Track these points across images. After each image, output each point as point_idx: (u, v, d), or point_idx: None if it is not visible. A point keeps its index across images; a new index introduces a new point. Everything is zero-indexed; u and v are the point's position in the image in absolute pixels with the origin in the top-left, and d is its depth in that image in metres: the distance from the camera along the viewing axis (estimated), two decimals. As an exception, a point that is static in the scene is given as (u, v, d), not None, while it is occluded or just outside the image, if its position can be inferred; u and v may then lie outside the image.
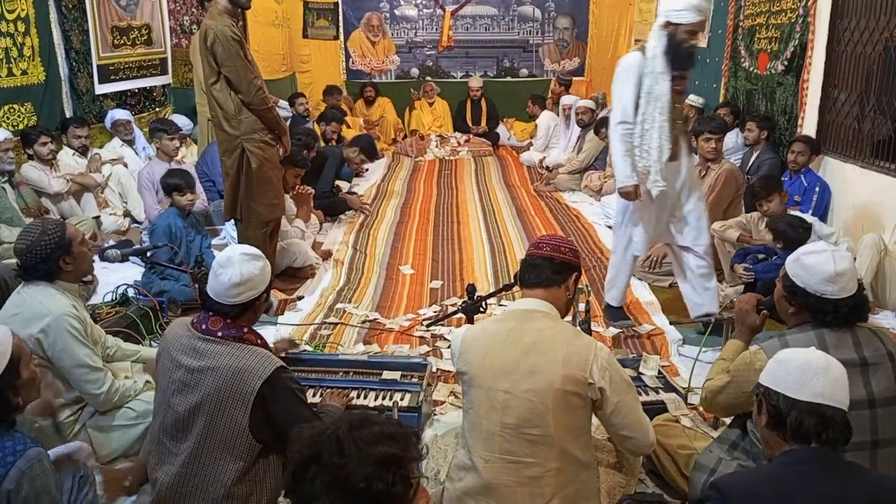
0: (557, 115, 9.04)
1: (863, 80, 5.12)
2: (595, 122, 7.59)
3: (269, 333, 4.01)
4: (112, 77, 6.64)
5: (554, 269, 2.27)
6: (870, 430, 2.09)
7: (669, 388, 3.01)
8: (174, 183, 4.44)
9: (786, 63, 5.92)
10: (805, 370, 1.73)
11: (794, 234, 3.95)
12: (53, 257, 2.71)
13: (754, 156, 5.84)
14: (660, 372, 3.13)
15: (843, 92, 5.32)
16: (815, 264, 2.17)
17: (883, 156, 4.92)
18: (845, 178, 5.11)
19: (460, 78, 11.10)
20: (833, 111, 5.42)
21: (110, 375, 2.78)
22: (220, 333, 2.24)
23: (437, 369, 3.52)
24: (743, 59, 6.77)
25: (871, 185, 4.81)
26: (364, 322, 4.25)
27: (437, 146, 9.88)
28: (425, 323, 4.15)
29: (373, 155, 7.70)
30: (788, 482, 1.65)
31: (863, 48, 5.08)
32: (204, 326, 2.26)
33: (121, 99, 6.83)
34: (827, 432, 1.67)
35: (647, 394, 2.96)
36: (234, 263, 2.25)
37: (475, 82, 10.39)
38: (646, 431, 2.22)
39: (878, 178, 4.76)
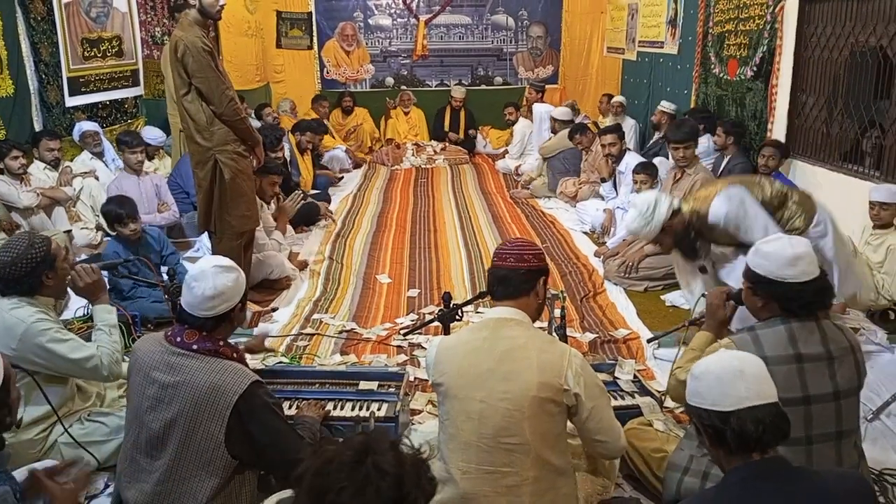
0: (532, 121, 9.09)
1: (830, 85, 5.21)
2: (571, 128, 7.61)
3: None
4: (83, 89, 6.57)
5: (521, 278, 2.27)
6: (835, 421, 2.15)
7: (645, 391, 3.02)
8: (115, 213, 4.21)
9: (755, 69, 6.01)
10: (723, 380, 1.73)
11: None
12: (38, 271, 2.69)
13: (725, 160, 5.91)
14: (635, 376, 3.14)
15: (811, 97, 5.41)
16: (773, 251, 2.24)
17: (851, 159, 5.01)
18: (815, 181, 5.18)
19: (435, 87, 11.12)
20: (801, 116, 5.51)
21: (97, 352, 2.75)
22: (195, 346, 2.22)
23: (415, 378, 3.51)
24: (713, 66, 6.85)
25: (839, 188, 4.89)
26: (341, 332, 4.23)
27: (413, 155, 9.89)
28: (402, 332, 4.14)
29: (319, 130, 8.03)
30: (739, 502, 1.64)
31: (829, 54, 5.17)
32: (179, 339, 2.23)
33: (92, 111, 6.76)
34: (766, 434, 1.67)
35: (622, 398, 2.97)
36: (207, 276, 2.23)
37: (458, 92, 10.36)
38: (618, 436, 2.24)
39: (846, 181, 4.85)
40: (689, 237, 3.52)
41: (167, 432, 2.17)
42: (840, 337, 2.21)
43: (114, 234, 4.44)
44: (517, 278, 2.26)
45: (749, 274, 2.31)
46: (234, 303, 2.28)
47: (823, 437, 2.14)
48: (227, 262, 2.34)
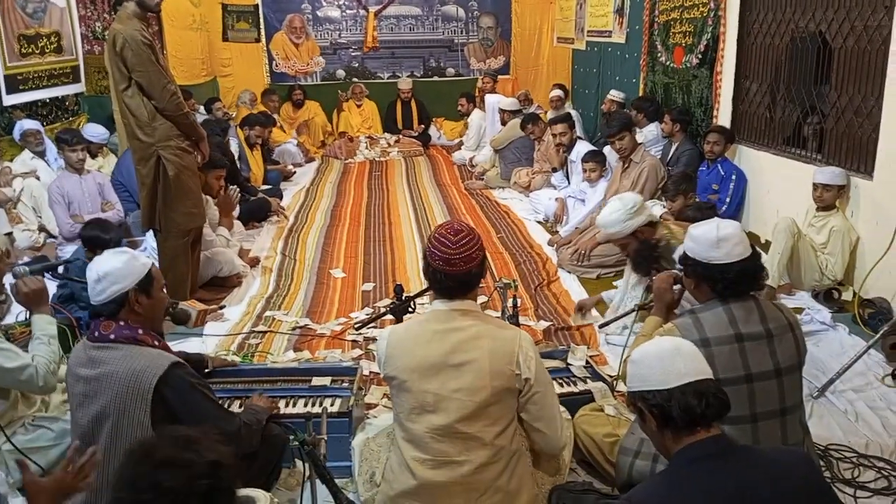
0: (486, 112, 9.11)
1: (772, 71, 5.31)
2: (523, 118, 7.64)
3: (194, 345, 3.92)
4: (21, 87, 6.36)
5: (476, 276, 2.23)
6: (778, 399, 2.19)
7: (597, 377, 3.05)
8: (100, 239, 3.89)
9: (700, 56, 6.10)
10: (662, 359, 1.77)
11: (701, 216, 4.11)
12: None
13: (673, 147, 6.00)
14: (587, 362, 3.17)
15: (754, 83, 5.51)
16: (701, 233, 2.30)
17: (793, 143, 5.12)
18: (760, 166, 5.29)
19: (387, 79, 11.06)
20: (746, 101, 5.61)
21: (32, 361, 2.66)
22: (112, 336, 2.20)
23: (370, 372, 3.48)
24: (660, 54, 6.94)
25: (783, 172, 5.00)
26: (294, 329, 4.18)
27: (366, 148, 9.83)
28: (356, 326, 4.10)
29: (267, 123, 7.95)
30: (688, 484, 1.66)
31: (771, 40, 5.27)
32: (97, 333, 2.22)
33: (31, 109, 6.55)
34: (709, 407, 1.69)
35: (574, 384, 2.99)
36: (96, 262, 2.25)
37: (404, 84, 10.35)
38: (557, 431, 2.24)
39: (789, 164, 4.95)
40: (650, 255, 3.55)
41: (97, 426, 2.16)
42: (778, 315, 2.26)
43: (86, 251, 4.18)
44: (473, 278, 2.23)
45: (682, 256, 2.37)
46: (124, 285, 2.23)
47: (768, 414, 2.18)
48: (124, 248, 2.37)
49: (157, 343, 2.28)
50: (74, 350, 2.29)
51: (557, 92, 8.77)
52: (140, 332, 2.24)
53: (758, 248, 2.39)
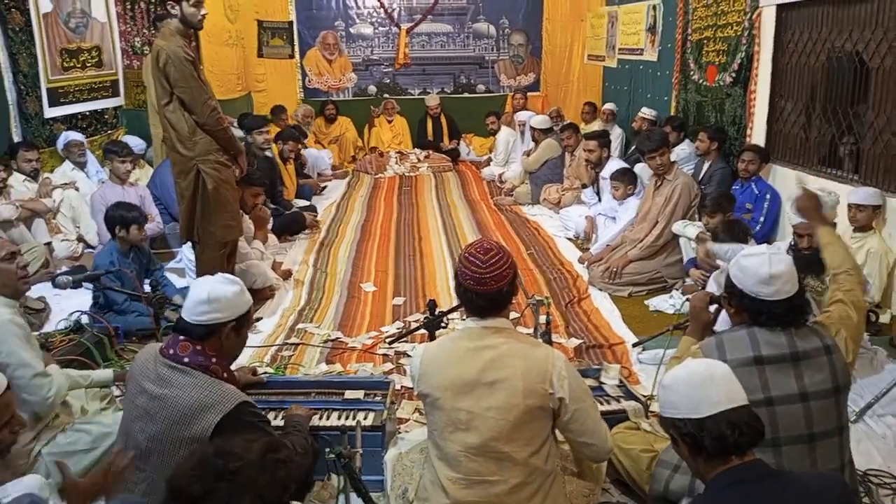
0: (514, 129, 9.16)
1: (808, 90, 5.27)
2: (562, 126, 7.68)
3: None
4: (62, 100, 6.52)
5: (507, 294, 2.23)
6: (805, 424, 2.11)
7: (630, 396, 3.03)
8: (126, 218, 4.24)
9: (733, 75, 6.07)
10: (692, 387, 1.73)
11: (733, 236, 4.06)
12: None
13: (706, 165, 5.96)
14: (621, 381, 3.15)
15: (789, 102, 5.47)
16: (751, 266, 2.19)
17: (829, 162, 5.06)
18: (794, 186, 5.23)
19: (418, 95, 11.14)
20: (780, 121, 5.56)
21: (54, 379, 2.76)
22: (186, 359, 2.19)
23: (402, 387, 3.50)
24: (692, 72, 6.92)
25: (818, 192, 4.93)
26: (326, 342, 4.21)
27: (396, 163, 9.89)
28: (388, 340, 4.13)
29: (299, 138, 8.04)
30: None
31: (807, 59, 5.23)
32: (172, 351, 2.21)
33: (71, 122, 6.70)
34: (742, 436, 1.67)
35: (608, 403, 2.97)
36: (207, 282, 2.25)
37: (432, 101, 10.41)
38: (604, 438, 2.23)
39: (825, 185, 4.89)
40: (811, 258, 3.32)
41: (151, 446, 2.16)
42: (812, 338, 2.18)
43: (113, 239, 4.38)
44: (504, 297, 2.22)
45: (727, 283, 2.29)
46: (226, 315, 2.24)
47: (793, 439, 2.10)
48: (235, 279, 2.34)
49: (226, 375, 2.27)
50: (143, 358, 2.29)
51: (611, 106, 8.83)
52: (213, 360, 2.23)
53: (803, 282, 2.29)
